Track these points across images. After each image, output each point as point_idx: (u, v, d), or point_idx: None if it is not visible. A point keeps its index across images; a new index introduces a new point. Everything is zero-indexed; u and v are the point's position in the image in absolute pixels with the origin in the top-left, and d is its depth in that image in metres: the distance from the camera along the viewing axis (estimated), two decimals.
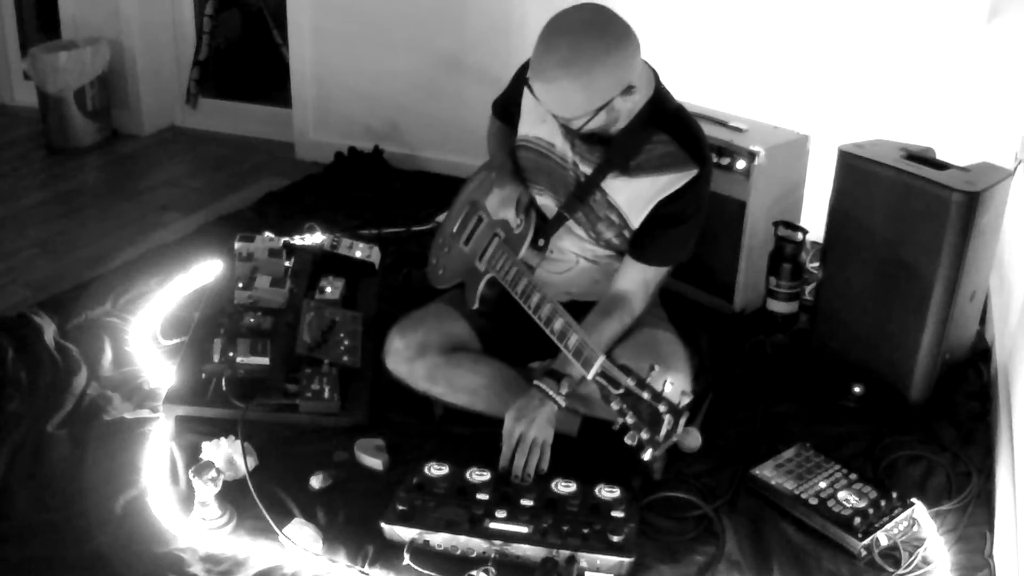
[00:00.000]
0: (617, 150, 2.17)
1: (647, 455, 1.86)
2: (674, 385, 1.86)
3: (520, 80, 2.32)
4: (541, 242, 2.30)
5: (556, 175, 2.27)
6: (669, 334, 2.31)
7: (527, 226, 2.28)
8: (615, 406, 1.90)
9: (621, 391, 1.90)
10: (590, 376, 1.97)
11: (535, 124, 2.29)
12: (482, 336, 2.38)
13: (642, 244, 2.23)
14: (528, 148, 2.32)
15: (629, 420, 1.87)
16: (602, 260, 2.32)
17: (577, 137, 2.20)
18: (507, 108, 2.41)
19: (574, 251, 2.32)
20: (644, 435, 1.85)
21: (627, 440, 1.88)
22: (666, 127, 2.17)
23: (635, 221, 2.21)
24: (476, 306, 2.36)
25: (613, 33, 2.01)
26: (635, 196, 2.19)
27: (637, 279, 2.24)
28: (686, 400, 1.85)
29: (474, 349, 2.35)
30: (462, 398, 2.28)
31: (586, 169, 2.23)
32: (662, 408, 1.83)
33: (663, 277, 2.30)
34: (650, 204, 2.18)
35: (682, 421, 1.83)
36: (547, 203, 2.31)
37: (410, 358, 2.28)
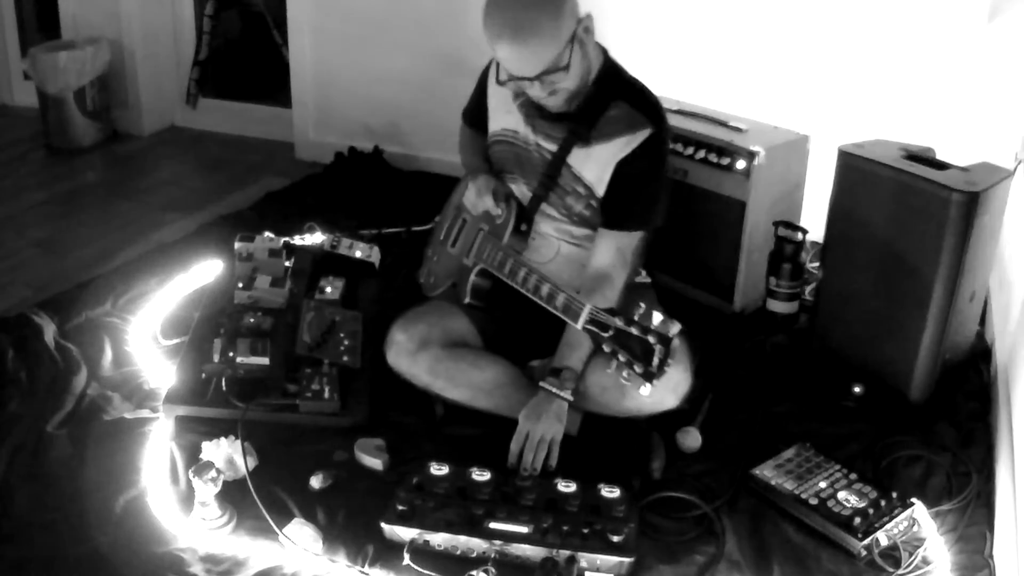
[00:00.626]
0: (577, 124, 2.24)
1: (645, 390, 1.86)
2: (663, 319, 1.86)
3: (484, 81, 2.43)
4: (523, 227, 2.34)
5: (525, 161, 2.34)
6: None
7: (508, 214, 2.34)
8: (607, 348, 1.90)
9: (611, 333, 1.90)
10: (579, 325, 1.98)
11: (502, 117, 2.37)
12: (483, 334, 2.39)
13: (610, 210, 2.27)
14: (500, 142, 2.39)
15: (621, 358, 1.88)
16: (582, 241, 2.35)
17: (537, 118, 2.28)
18: (477, 114, 2.48)
19: (553, 234, 2.36)
20: (638, 369, 1.85)
21: (623, 379, 1.88)
22: (621, 95, 2.24)
23: (600, 188, 2.26)
24: (468, 299, 2.38)
25: None
26: (597, 163, 2.24)
27: (611, 249, 2.26)
28: (675, 329, 1.84)
29: (475, 346, 2.37)
30: (463, 393, 2.28)
31: (550, 147, 2.28)
32: (651, 339, 1.83)
33: (637, 246, 2.32)
34: (610, 167, 2.23)
35: (674, 347, 1.83)
36: (522, 190, 2.37)
37: (412, 351, 2.29)
